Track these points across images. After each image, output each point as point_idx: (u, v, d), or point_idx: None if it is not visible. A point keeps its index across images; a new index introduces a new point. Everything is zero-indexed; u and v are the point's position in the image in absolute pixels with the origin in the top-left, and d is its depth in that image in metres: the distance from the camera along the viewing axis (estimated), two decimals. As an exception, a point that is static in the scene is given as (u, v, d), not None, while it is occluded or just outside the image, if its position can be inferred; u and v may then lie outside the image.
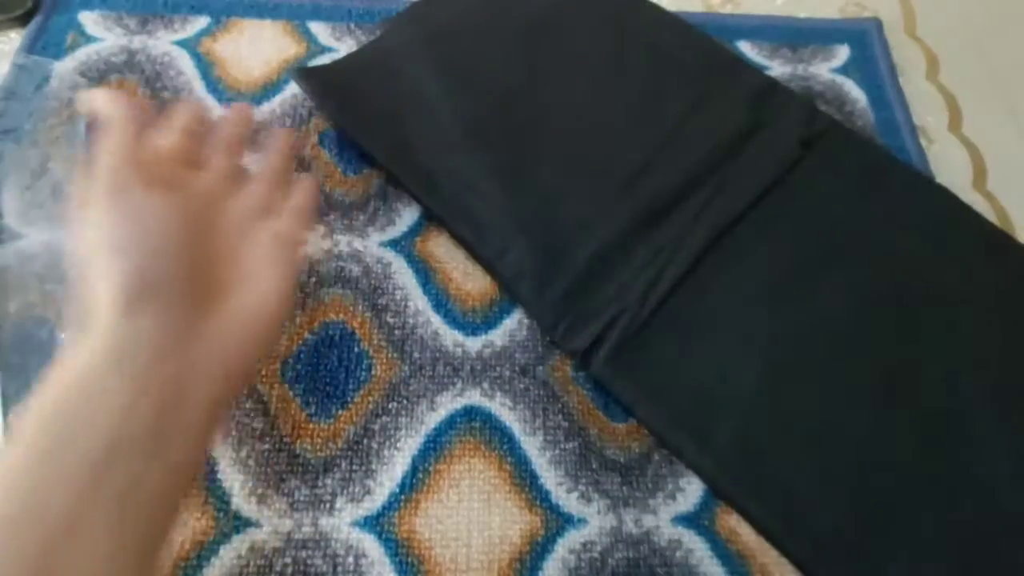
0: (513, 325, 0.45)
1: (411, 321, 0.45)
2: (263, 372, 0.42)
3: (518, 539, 0.38)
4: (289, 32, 0.58)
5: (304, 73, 0.52)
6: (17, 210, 0.46)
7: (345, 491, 0.39)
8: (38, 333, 0.42)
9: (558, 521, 0.39)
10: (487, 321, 0.45)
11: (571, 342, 0.43)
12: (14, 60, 0.52)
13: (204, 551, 0.37)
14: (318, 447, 0.40)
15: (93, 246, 0.30)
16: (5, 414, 0.39)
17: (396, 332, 0.44)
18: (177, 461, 0.28)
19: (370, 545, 0.37)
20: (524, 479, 0.40)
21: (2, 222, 0.46)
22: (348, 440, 0.40)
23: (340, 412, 0.41)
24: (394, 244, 0.48)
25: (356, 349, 0.43)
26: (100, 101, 0.35)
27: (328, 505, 0.38)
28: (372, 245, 0.48)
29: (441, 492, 0.39)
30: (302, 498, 0.38)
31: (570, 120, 0.52)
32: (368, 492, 0.39)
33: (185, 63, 0.55)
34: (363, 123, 0.50)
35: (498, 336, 0.45)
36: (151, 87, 0.53)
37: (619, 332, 0.43)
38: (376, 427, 0.41)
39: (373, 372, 0.43)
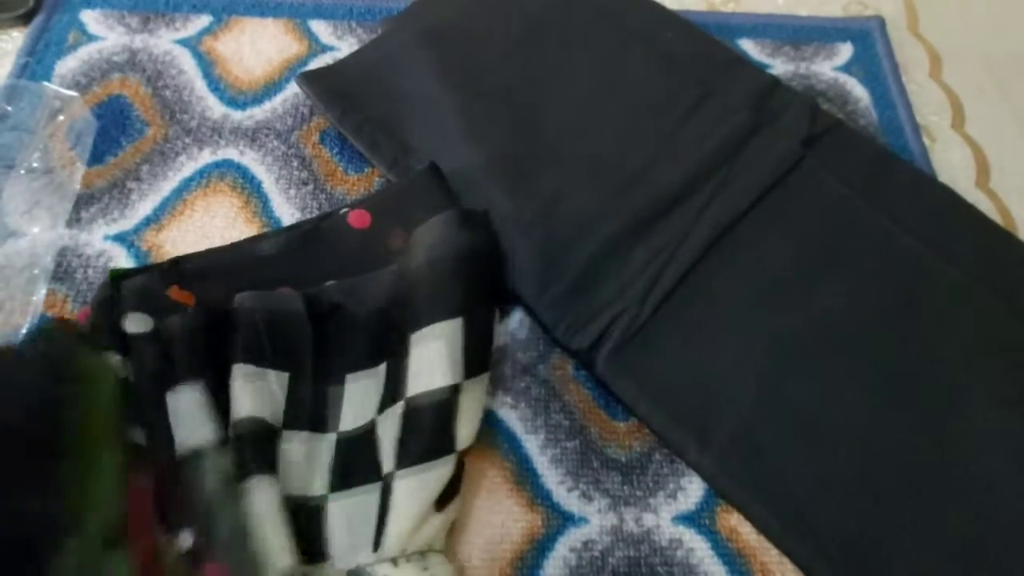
0: (514, 324, 0.45)
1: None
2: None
3: (519, 537, 0.38)
4: (290, 30, 0.58)
5: (308, 78, 0.52)
6: (20, 209, 0.46)
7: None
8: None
9: (559, 519, 0.39)
10: (488, 320, 0.45)
11: (572, 341, 0.43)
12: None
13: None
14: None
15: None
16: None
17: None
18: None
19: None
20: (525, 477, 0.40)
21: (5, 220, 0.46)
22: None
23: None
24: (395, 243, 0.48)
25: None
26: None
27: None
28: (373, 244, 0.48)
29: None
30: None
31: (571, 120, 0.52)
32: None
33: (187, 62, 0.55)
34: (365, 129, 0.50)
35: (499, 335, 0.45)
36: (152, 86, 0.53)
37: (620, 331, 0.43)
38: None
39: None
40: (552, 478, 0.40)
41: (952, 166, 0.54)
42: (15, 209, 0.46)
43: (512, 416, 0.42)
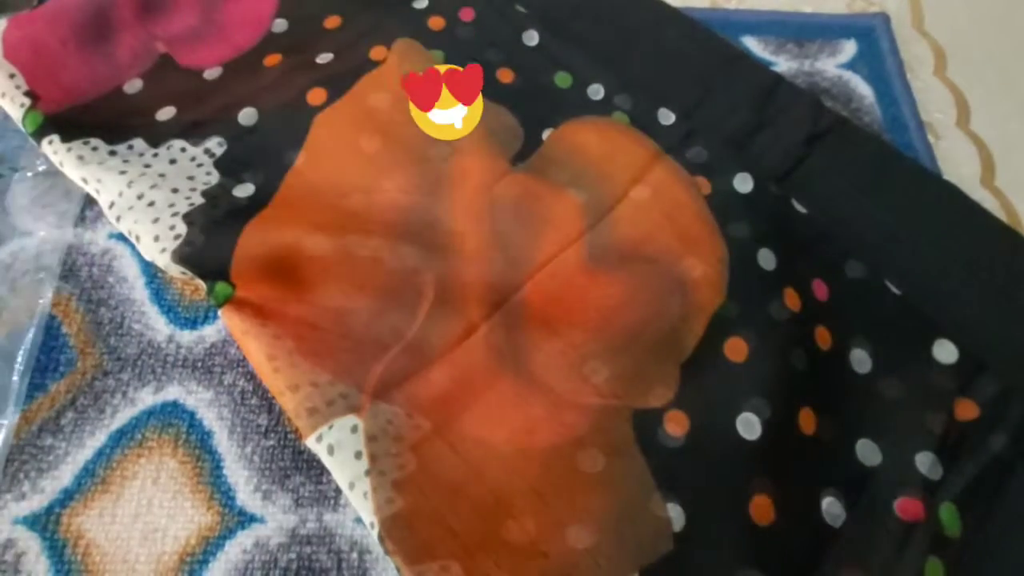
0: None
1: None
2: None
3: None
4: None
5: None
6: (25, 206, 0.47)
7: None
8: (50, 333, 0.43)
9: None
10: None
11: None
12: None
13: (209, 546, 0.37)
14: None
15: None
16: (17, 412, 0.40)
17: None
18: None
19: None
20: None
21: (11, 220, 0.46)
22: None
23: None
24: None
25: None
26: None
27: (333, 501, 0.39)
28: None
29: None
30: (306, 494, 0.39)
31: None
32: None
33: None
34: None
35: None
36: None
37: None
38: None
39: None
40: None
41: (957, 164, 0.54)
42: (21, 209, 0.46)
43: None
